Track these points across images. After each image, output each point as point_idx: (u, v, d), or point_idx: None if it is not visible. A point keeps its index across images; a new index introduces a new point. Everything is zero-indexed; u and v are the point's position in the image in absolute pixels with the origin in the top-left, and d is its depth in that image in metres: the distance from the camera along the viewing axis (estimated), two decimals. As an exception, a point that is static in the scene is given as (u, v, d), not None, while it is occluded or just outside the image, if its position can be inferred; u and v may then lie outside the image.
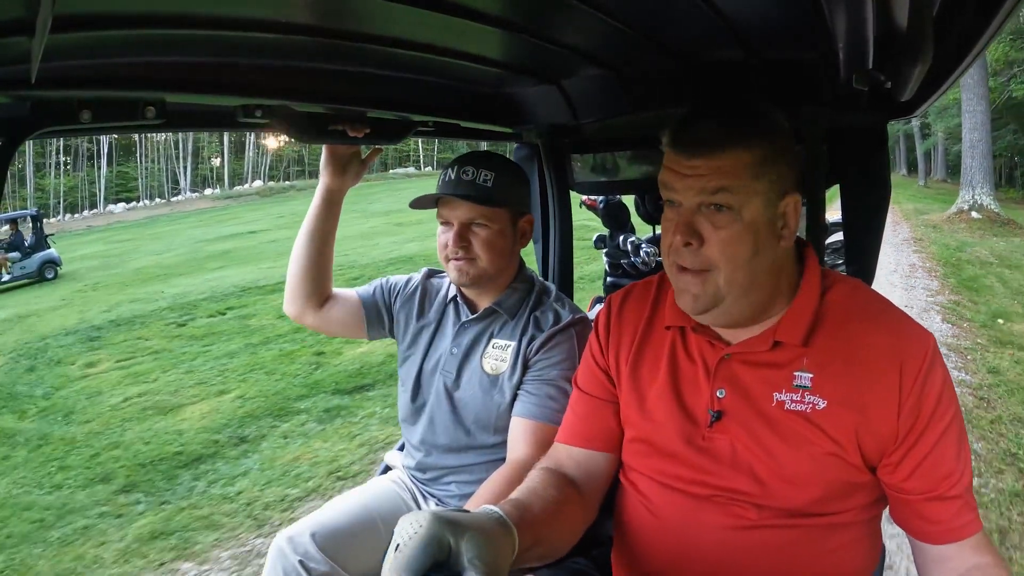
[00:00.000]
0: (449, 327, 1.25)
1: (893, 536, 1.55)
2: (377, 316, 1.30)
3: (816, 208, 1.14)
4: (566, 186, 1.55)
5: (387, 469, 1.41)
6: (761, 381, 0.78)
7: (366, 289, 1.32)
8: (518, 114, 1.34)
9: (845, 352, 0.76)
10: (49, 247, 12.12)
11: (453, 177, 1.15)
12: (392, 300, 1.31)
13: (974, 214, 9.50)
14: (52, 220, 29.79)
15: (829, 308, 0.79)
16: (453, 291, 1.27)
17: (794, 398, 0.76)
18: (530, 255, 1.57)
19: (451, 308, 1.27)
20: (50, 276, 11.78)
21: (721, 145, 0.73)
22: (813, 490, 0.75)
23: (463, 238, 1.14)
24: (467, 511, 0.63)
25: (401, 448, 1.37)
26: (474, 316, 1.22)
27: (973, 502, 0.75)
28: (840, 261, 1.24)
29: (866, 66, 0.61)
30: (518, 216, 1.20)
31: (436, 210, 1.18)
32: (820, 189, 1.12)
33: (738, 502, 0.77)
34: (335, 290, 1.29)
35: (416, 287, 1.31)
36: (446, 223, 1.17)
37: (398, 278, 1.34)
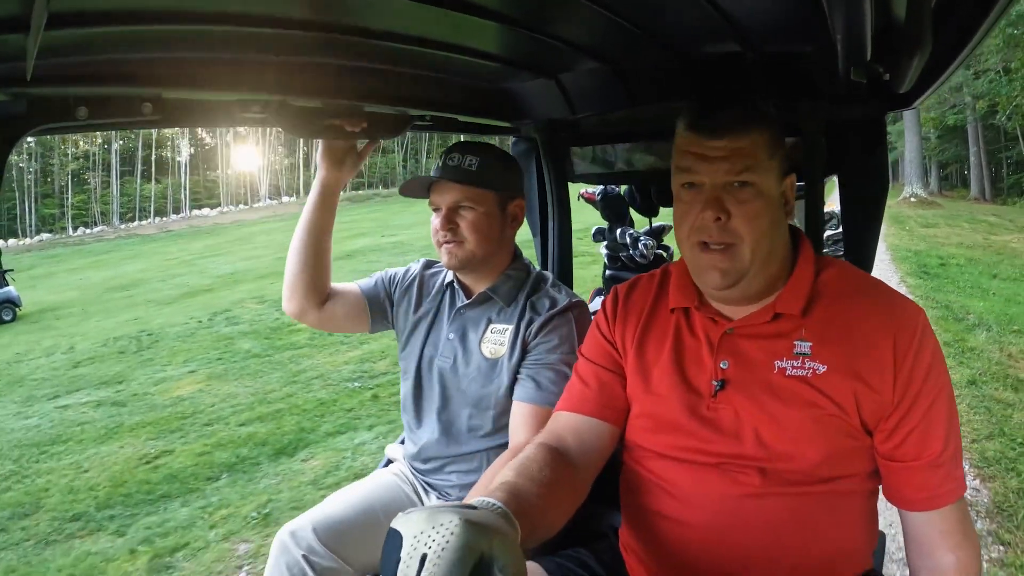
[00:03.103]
0: (446, 314, 1.26)
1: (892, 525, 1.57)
2: (380, 308, 1.31)
3: (815, 200, 1.14)
4: (564, 180, 1.55)
5: (389, 462, 1.42)
6: (763, 351, 0.82)
7: (367, 282, 1.33)
8: (516, 108, 1.34)
9: (841, 324, 0.80)
10: (7, 284, 9.60)
11: (440, 164, 1.18)
12: (392, 290, 1.32)
13: (912, 199, 16.96)
14: (144, 223, 31.69)
15: (824, 286, 0.84)
16: (449, 277, 1.28)
17: (795, 364, 0.80)
18: (530, 250, 1.57)
19: (447, 295, 1.28)
20: (7, 318, 9.26)
21: (744, 126, 0.79)
22: (816, 452, 0.78)
23: (450, 220, 1.16)
24: (474, 507, 0.61)
25: (402, 442, 1.38)
26: (469, 301, 1.23)
27: (956, 471, 0.79)
28: (840, 253, 1.25)
29: (864, 58, 0.61)
30: (507, 200, 1.21)
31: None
32: (819, 181, 1.12)
33: (744, 469, 0.80)
34: (334, 285, 1.29)
35: (414, 277, 1.32)
36: (436, 208, 1.19)
37: (396, 269, 1.35)
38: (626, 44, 0.99)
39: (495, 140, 1.82)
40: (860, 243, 1.19)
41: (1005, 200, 20.49)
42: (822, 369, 0.78)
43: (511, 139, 1.59)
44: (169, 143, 37.18)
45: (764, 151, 0.79)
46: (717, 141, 0.79)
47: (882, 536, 0.95)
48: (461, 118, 1.30)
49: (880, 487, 0.84)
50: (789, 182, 0.84)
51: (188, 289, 9.87)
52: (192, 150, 37.78)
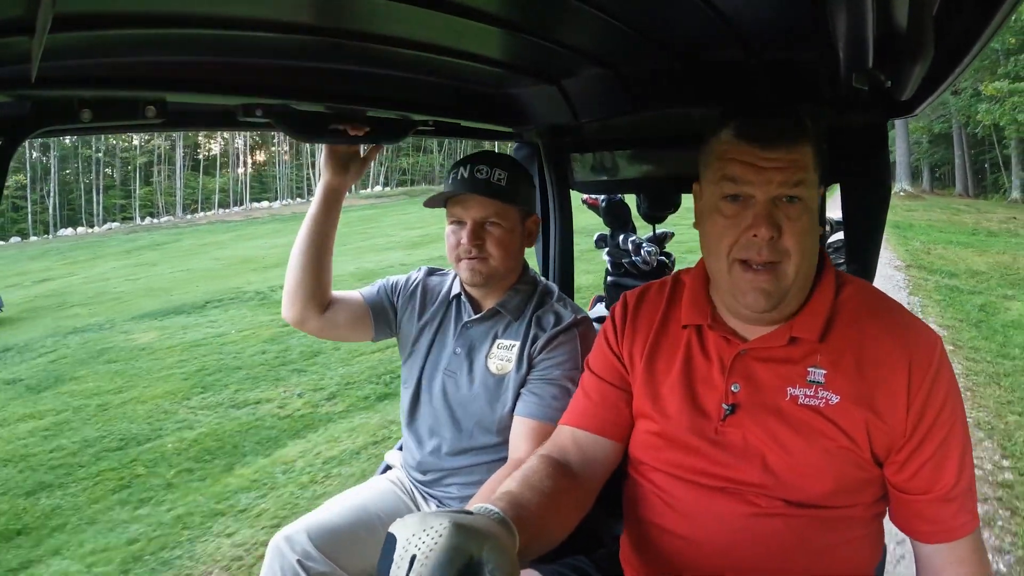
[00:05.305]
0: (451, 326, 1.25)
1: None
2: (384, 316, 1.29)
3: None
4: (566, 186, 1.55)
5: (387, 468, 1.41)
6: (775, 376, 0.80)
7: (369, 290, 1.32)
8: (518, 114, 1.34)
9: (857, 349, 0.77)
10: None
11: (467, 175, 1.15)
12: (395, 298, 1.31)
13: (900, 193, 20.05)
14: (211, 212, 34.22)
15: (842, 306, 0.81)
16: (456, 289, 1.26)
17: (808, 393, 0.77)
18: (530, 256, 1.57)
19: (453, 307, 1.27)
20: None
21: (797, 138, 0.75)
22: (824, 483, 0.76)
23: (477, 236, 1.14)
24: (472, 512, 0.62)
25: (401, 447, 1.37)
26: (477, 316, 1.22)
27: (970, 504, 0.77)
28: (841, 260, 1.24)
29: (866, 65, 0.61)
30: (526, 216, 1.21)
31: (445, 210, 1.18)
32: (822, 189, 1.11)
33: (750, 493, 0.78)
34: (335, 293, 1.28)
35: (416, 284, 1.31)
36: (458, 222, 1.16)
37: (399, 277, 1.34)
38: (629, 50, 0.99)
39: (493, 146, 1.82)
40: (862, 251, 1.18)
41: (986, 196, 22.95)
42: (835, 399, 0.76)
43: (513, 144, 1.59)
44: (207, 142, 39.63)
45: (813, 163, 0.76)
46: (772, 152, 0.74)
47: (883, 549, 0.93)
48: (463, 123, 1.30)
49: (888, 509, 0.82)
50: (822, 193, 0.81)
51: (396, 243, 12.26)
52: (245, 142, 40.28)
